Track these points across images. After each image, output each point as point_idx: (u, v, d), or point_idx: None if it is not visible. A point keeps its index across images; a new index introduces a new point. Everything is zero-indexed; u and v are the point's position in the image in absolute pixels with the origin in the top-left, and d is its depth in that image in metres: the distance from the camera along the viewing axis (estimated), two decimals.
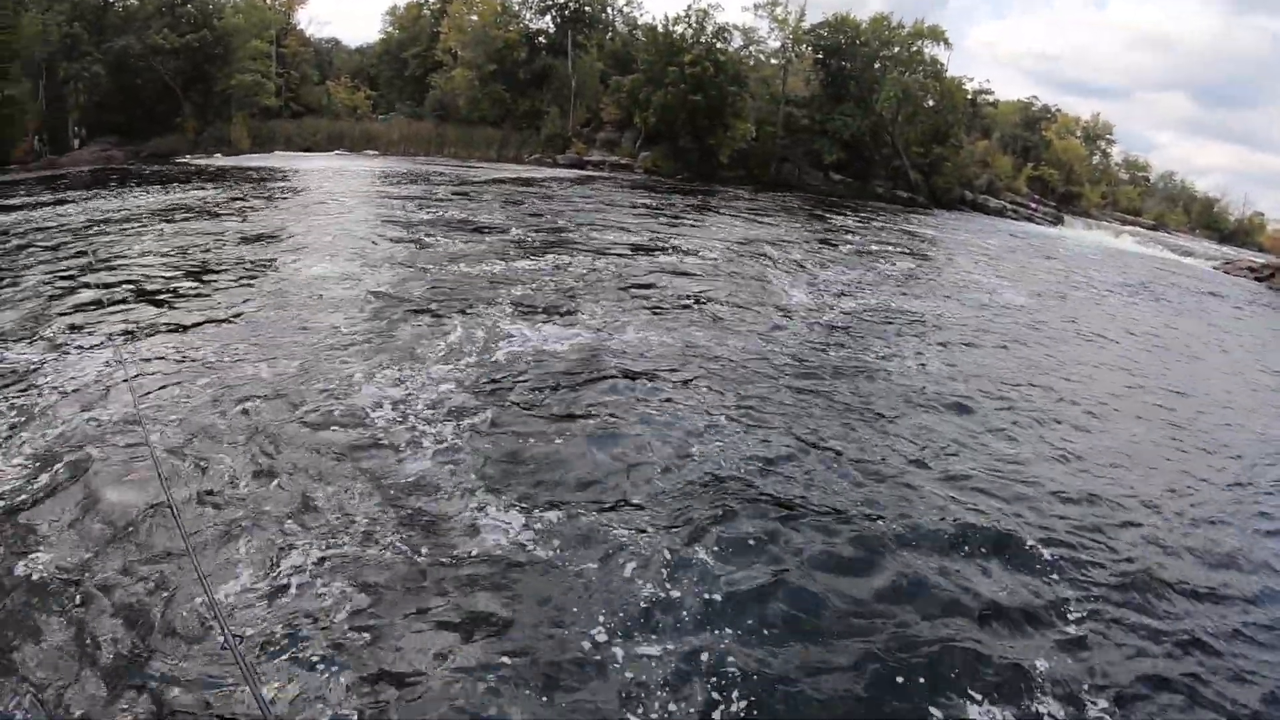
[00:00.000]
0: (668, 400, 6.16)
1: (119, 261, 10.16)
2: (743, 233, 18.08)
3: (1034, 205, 42.78)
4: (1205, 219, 53.90)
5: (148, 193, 19.36)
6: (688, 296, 10.06)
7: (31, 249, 10.96)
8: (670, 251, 13.70)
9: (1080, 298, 16.15)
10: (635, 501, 4.57)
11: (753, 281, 11.69)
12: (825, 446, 5.65)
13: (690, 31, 36.93)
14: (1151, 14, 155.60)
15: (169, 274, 9.47)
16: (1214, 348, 13.20)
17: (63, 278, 9.03)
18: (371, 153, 35.49)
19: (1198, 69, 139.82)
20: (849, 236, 20.30)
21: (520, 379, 6.30)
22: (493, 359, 6.71)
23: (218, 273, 9.66)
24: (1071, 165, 47.16)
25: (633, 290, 10.02)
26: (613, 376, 6.52)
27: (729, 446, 5.42)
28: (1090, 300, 16.12)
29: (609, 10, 42.98)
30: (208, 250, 11.12)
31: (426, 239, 12.86)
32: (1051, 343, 10.78)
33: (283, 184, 23.68)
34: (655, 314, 8.92)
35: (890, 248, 19.05)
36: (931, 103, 40.58)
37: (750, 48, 39.51)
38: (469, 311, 8.15)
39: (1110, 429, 7.26)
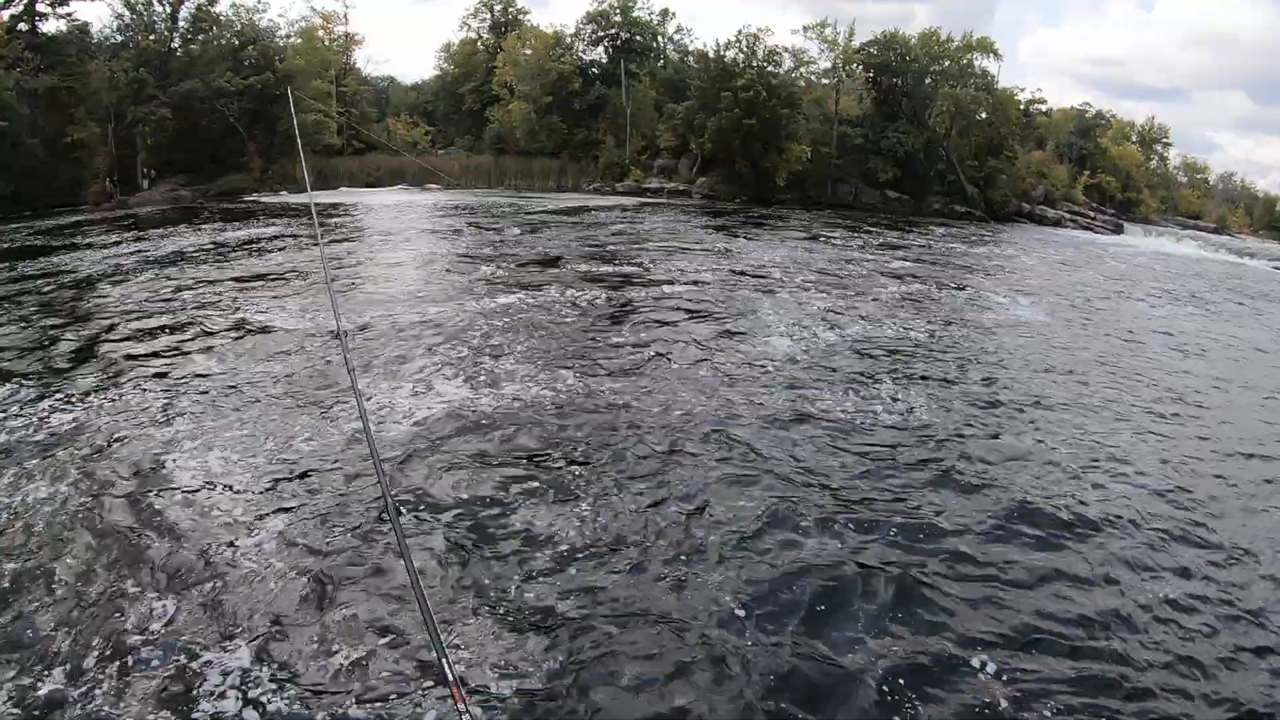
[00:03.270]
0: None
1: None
2: (784, 255, 18.42)
3: (1092, 214, 41.98)
4: (1267, 218, 52.62)
5: (222, 230, 19.91)
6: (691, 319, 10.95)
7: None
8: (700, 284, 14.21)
9: (1147, 310, 16.14)
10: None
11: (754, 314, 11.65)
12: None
13: (741, 56, 37.05)
14: (1199, 13, 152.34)
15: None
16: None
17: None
18: (433, 186, 36.01)
19: (1254, 64, 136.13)
20: (894, 261, 19.64)
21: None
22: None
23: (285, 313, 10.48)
24: (1128, 171, 46.30)
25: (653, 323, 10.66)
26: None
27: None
28: (1156, 311, 16.05)
29: (660, 39, 43.30)
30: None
31: (481, 272, 14.00)
32: (1103, 365, 10.54)
33: (357, 219, 24.09)
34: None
35: (941, 270, 18.65)
36: (984, 115, 40.11)
37: (801, 69, 39.44)
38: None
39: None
